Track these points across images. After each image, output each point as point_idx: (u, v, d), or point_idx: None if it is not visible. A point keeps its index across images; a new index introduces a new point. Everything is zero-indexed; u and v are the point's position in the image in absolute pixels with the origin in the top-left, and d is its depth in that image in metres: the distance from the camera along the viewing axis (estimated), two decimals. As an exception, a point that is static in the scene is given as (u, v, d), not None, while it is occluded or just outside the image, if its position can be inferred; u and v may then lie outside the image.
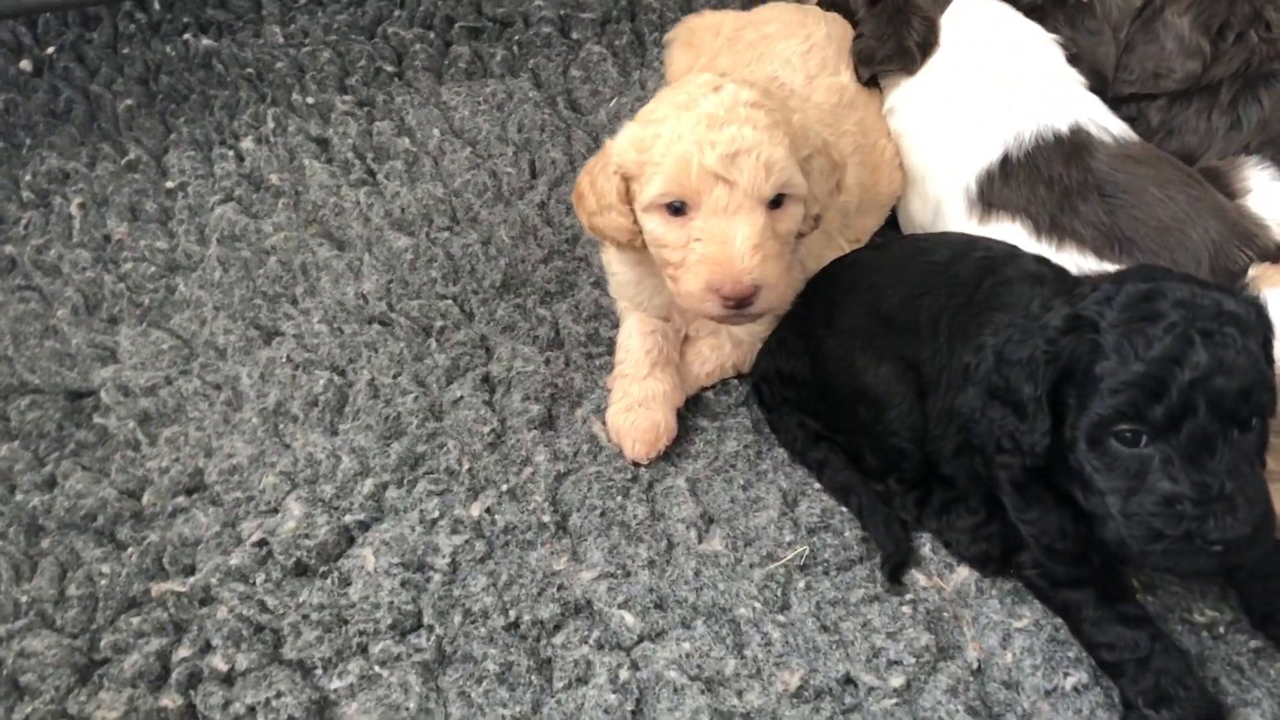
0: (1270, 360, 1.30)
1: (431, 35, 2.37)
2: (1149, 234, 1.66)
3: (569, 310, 1.90)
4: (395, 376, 1.83)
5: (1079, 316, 1.28)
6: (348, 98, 2.27)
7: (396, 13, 2.42)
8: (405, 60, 2.34)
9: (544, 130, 2.18)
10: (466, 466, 1.71)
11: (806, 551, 1.60)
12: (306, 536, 1.63)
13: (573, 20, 2.39)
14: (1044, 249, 1.70)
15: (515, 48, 2.35)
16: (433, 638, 1.53)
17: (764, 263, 1.50)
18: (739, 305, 1.52)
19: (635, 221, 1.59)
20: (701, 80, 1.56)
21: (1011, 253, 1.59)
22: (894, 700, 1.46)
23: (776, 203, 1.54)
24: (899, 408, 1.56)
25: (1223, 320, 1.24)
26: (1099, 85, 1.93)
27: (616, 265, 1.74)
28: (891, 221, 1.97)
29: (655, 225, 1.56)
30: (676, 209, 1.53)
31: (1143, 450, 1.26)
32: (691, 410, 1.77)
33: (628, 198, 1.58)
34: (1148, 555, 1.28)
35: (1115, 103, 1.92)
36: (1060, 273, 1.55)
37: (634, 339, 1.74)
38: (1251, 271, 1.60)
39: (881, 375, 1.57)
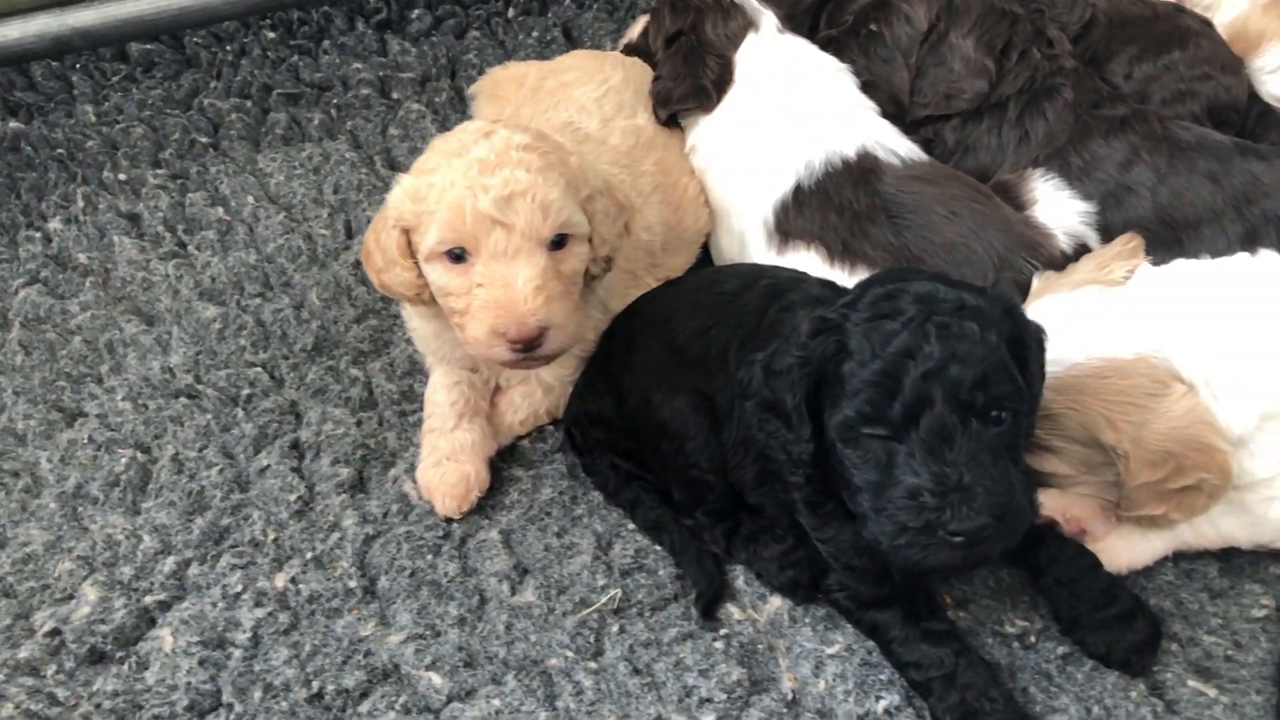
0: (1025, 360, 1.31)
1: (249, 104, 2.35)
2: (936, 251, 1.68)
3: (382, 369, 1.87)
4: (201, 450, 1.77)
5: (825, 319, 1.28)
6: (160, 171, 2.23)
7: (213, 84, 2.39)
8: (221, 130, 2.31)
9: (360, 190, 2.16)
10: (272, 537, 1.66)
11: (619, 595, 1.57)
12: (102, 621, 1.57)
13: (392, 80, 2.39)
14: (838, 274, 1.71)
15: (333, 111, 2.34)
16: (231, 716, 1.47)
17: (548, 303, 1.49)
18: (527, 348, 1.50)
19: (421, 275, 1.56)
20: (473, 128, 1.55)
21: (797, 278, 1.59)
22: (706, 737, 1.43)
23: (559, 243, 1.53)
24: (696, 440, 1.55)
25: (962, 314, 1.24)
26: (897, 110, 1.97)
27: (415, 320, 1.72)
28: (709, 258, 1.98)
29: (438, 274, 1.54)
30: (457, 256, 1.51)
31: (889, 445, 1.25)
32: (506, 460, 1.74)
33: (410, 251, 1.56)
34: (897, 550, 1.27)
35: (914, 125, 1.96)
36: (843, 294, 1.55)
37: (439, 393, 1.71)
38: (1035, 282, 1.62)
39: (677, 409, 1.56)
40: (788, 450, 1.34)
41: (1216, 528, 1.54)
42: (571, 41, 2.46)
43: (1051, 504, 1.55)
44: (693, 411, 1.54)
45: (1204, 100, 1.99)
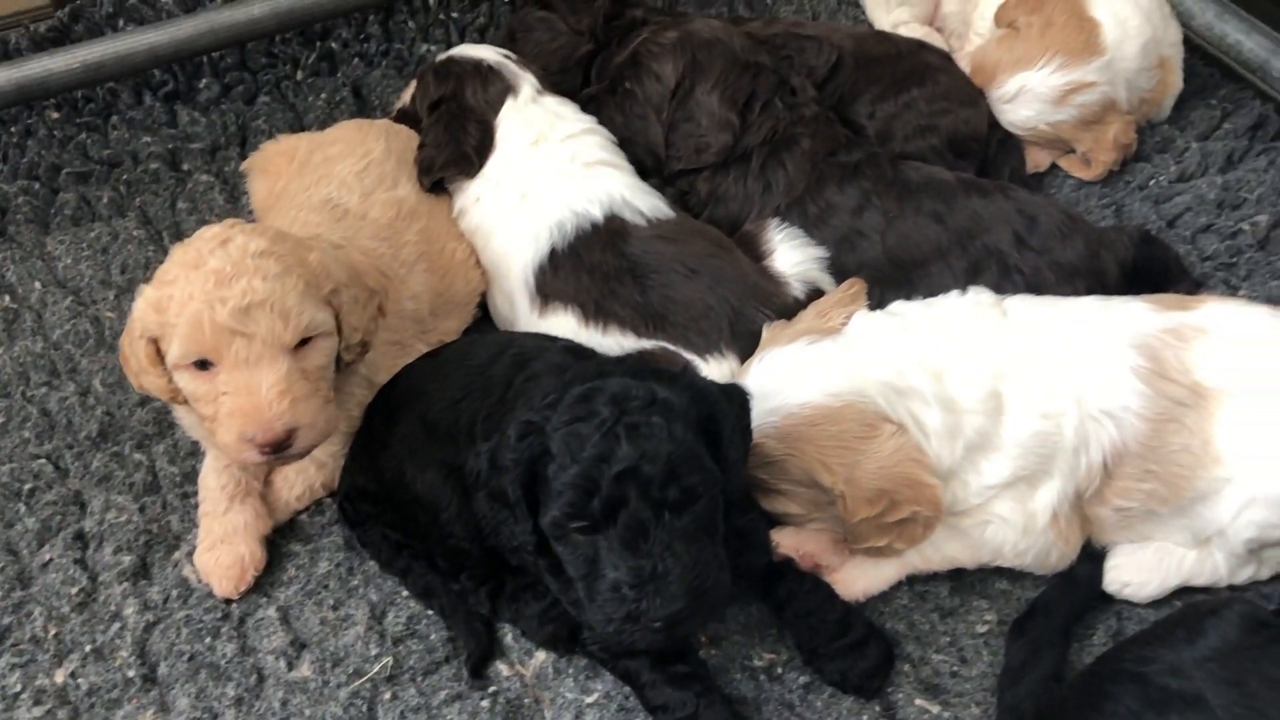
0: (719, 434, 1.40)
1: (37, 185, 2.35)
2: (677, 309, 1.78)
3: (165, 451, 1.91)
4: (-17, 549, 1.80)
5: (530, 423, 1.37)
6: (-54, 262, 2.23)
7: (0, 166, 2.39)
8: (8, 215, 2.31)
9: (148, 268, 2.18)
10: (53, 632, 1.69)
11: (390, 663, 1.64)
12: (-119, 734, 1.59)
13: (182, 152, 2.41)
14: (592, 334, 1.80)
15: (123, 188, 2.35)
16: (8, 819, 1.52)
17: (294, 406, 1.54)
18: (277, 450, 1.55)
19: (173, 380, 1.60)
20: (209, 235, 1.59)
21: (541, 346, 1.67)
22: (469, 799, 1.51)
23: (303, 343, 1.58)
24: (449, 511, 1.62)
25: (651, 410, 1.34)
26: (656, 164, 2.06)
27: (178, 410, 1.76)
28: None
29: (185, 382, 1.58)
30: (203, 364, 1.55)
31: (593, 540, 1.34)
32: (285, 535, 1.80)
33: (160, 358, 1.60)
34: (608, 636, 1.38)
35: (670, 178, 2.05)
36: (584, 359, 1.64)
37: (210, 477, 1.76)
38: (764, 331, 1.72)
39: (428, 482, 1.63)
40: (515, 538, 1.42)
41: (941, 552, 1.66)
42: (361, 100, 2.50)
43: (787, 542, 1.66)
44: (443, 484, 1.61)
45: (944, 134, 2.12)
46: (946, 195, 1.91)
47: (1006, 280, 1.85)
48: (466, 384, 1.65)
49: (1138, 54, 2.17)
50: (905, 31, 2.48)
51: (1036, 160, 2.25)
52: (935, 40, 2.46)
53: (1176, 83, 2.29)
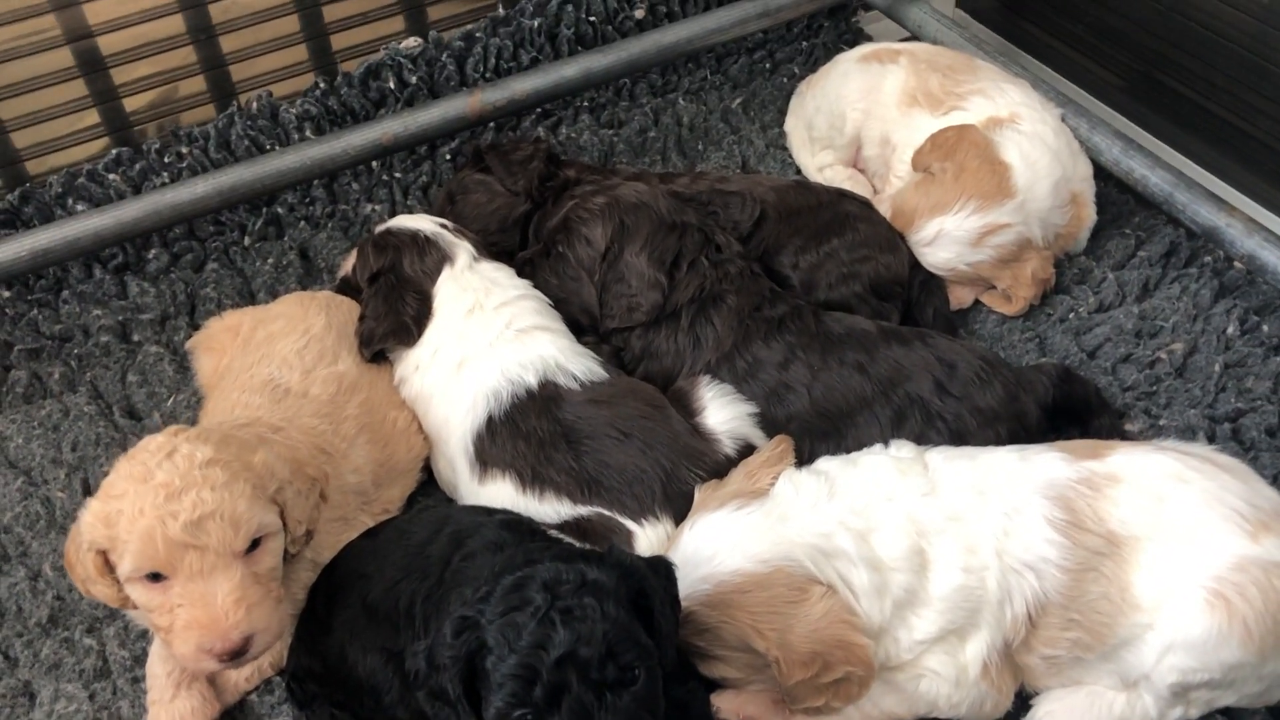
0: (650, 608, 1.43)
1: (-11, 364, 2.40)
2: (611, 474, 1.82)
3: (116, 634, 1.92)
4: (-69, 749, 1.81)
5: (465, 619, 1.39)
6: (-103, 446, 2.26)
7: (-49, 347, 2.44)
8: (-39, 394, 2.36)
9: (99, 444, 2.22)
10: (0, 833, 1.70)
11: None
12: None
13: (132, 323, 2.46)
14: (530, 500, 1.84)
15: (75, 362, 2.39)
16: None
17: (250, 612, 1.56)
18: (234, 656, 1.58)
19: (122, 589, 1.62)
20: (154, 447, 1.62)
21: (477, 522, 1.71)
22: None
23: (254, 545, 1.61)
24: (391, 695, 1.64)
25: (583, 592, 1.37)
26: (592, 321, 2.13)
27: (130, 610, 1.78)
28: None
29: (138, 594, 1.59)
30: (155, 576, 1.57)
31: None
32: (234, 717, 1.81)
33: (108, 567, 1.61)
34: None
35: (606, 336, 2.12)
36: (522, 535, 1.68)
37: (156, 664, 1.78)
38: (696, 494, 1.77)
39: (370, 666, 1.65)
40: None
41: (879, 707, 1.68)
42: (308, 262, 2.57)
43: (728, 705, 1.69)
44: (384, 668, 1.64)
45: (866, 280, 2.20)
46: (869, 345, 1.98)
47: (930, 428, 1.91)
48: (405, 564, 1.68)
49: (1049, 193, 2.27)
50: (830, 174, 2.58)
51: (959, 298, 2.33)
52: (859, 182, 2.56)
53: (1090, 216, 2.38)
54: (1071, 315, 2.31)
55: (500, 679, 1.35)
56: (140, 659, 1.88)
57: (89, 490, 2.16)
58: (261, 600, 1.59)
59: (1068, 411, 2.01)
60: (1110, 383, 2.17)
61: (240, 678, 1.81)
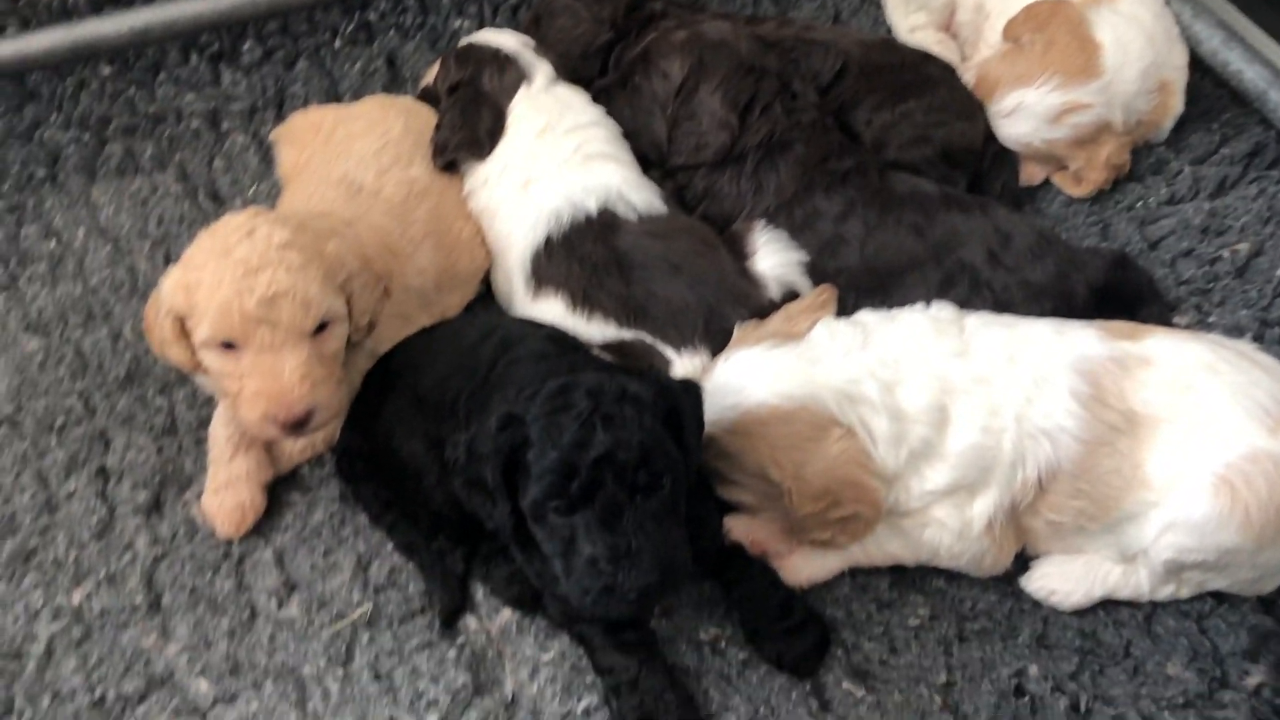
0: (681, 435, 1.52)
1: (86, 136, 2.51)
2: (657, 303, 1.89)
3: (185, 398, 2.07)
4: (17, 475, 1.98)
5: (510, 415, 1.49)
6: (-1, 204, 2.40)
7: (54, 115, 2.55)
8: (59, 163, 2.47)
9: (183, 222, 2.34)
10: (73, 556, 1.87)
11: (370, 609, 1.80)
12: (-84, 639, 1.78)
13: (223, 112, 2.55)
14: (578, 319, 1.92)
15: (166, 143, 2.50)
16: (22, 721, 1.70)
17: (314, 389, 1.68)
18: (295, 428, 1.70)
19: (196, 353, 1.74)
20: (235, 224, 1.71)
21: (525, 333, 1.80)
22: (429, 737, 1.67)
23: (320, 329, 1.71)
24: (430, 479, 1.76)
25: (624, 403, 1.46)
26: (659, 156, 2.17)
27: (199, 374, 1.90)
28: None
29: (211, 360, 1.72)
30: (228, 345, 1.69)
31: (571, 520, 1.47)
32: (286, 485, 1.95)
33: (184, 333, 1.73)
34: (584, 607, 1.49)
35: (670, 172, 2.16)
36: (565, 349, 1.76)
37: (219, 426, 1.92)
38: (736, 331, 1.83)
39: (413, 451, 1.77)
40: (493, 519, 1.56)
41: (882, 549, 1.77)
42: (394, 71, 2.62)
43: (739, 529, 1.78)
44: (426, 454, 1.75)
45: (938, 144, 2.19)
46: (928, 208, 2.00)
47: (976, 295, 1.94)
48: (455, 362, 1.78)
49: (1137, 78, 2.22)
50: (920, 36, 2.54)
51: (1030, 174, 2.32)
52: (949, 48, 2.52)
53: (1177, 106, 2.33)
54: (1140, 204, 2.29)
55: (540, 471, 1.45)
56: (205, 421, 2.02)
57: (171, 263, 2.28)
58: (324, 379, 1.71)
59: (1118, 298, 2.02)
60: (1167, 275, 2.17)
61: (295, 449, 1.95)
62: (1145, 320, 1.98)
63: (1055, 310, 1.92)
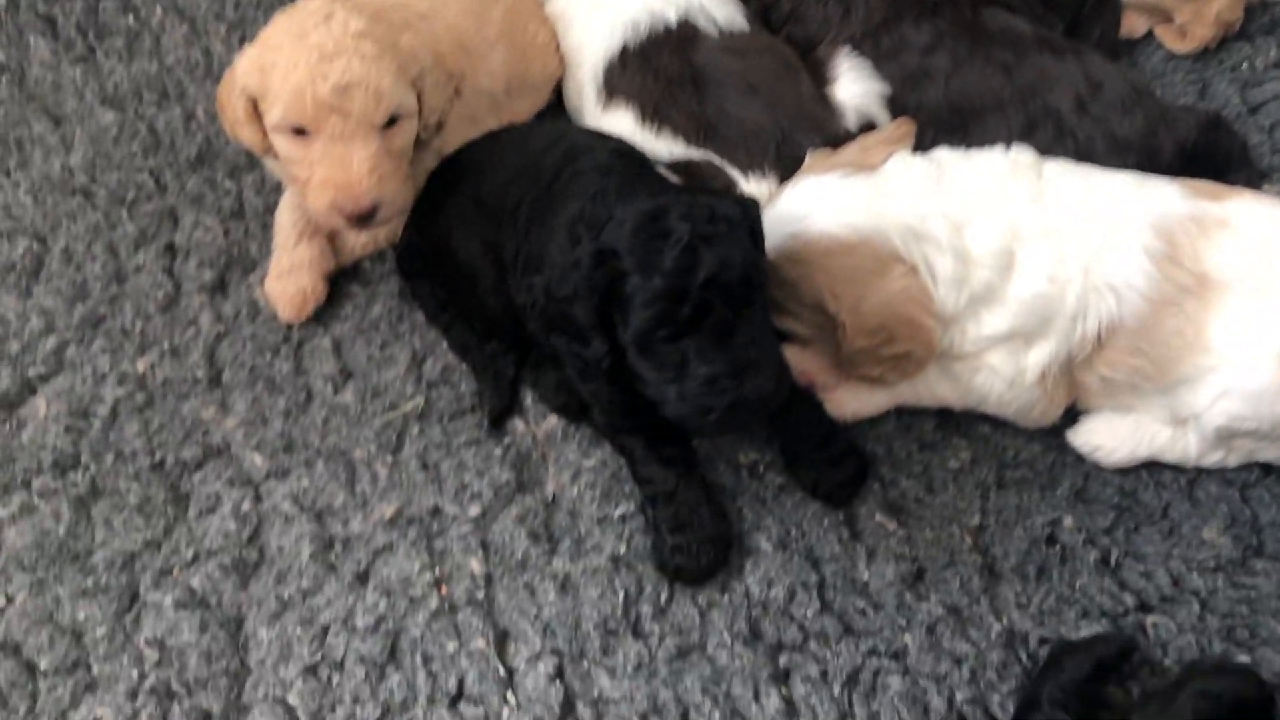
0: (760, 245, 1.52)
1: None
2: (730, 123, 1.85)
3: (254, 183, 2.08)
4: (89, 245, 2.02)
5: (602, 250, 1.47)
6: (79, -26, 2.39)
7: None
8: (139, -63, 2.45)
9: (259, 7, 2.32)
10: (139, 327, 1.93)
11: (422, 402, 1.85)
12: (-11, 387, 1.87)
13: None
14: (646, 134, 1.89)
15: (245, -76, 2.46)
16: (87, 475, 1.78)
17: (381, 183, 1.68)
18: (360, 220, 1.71)
19: (267, 135, 1.73)
20: (313, 8, 1.68)
21: (591, 144, 1.77)
22: (469, 526, 1.73)
23: (390, 123, 1.70)
24: (486, 282, 1.77)
25: (717, 223, 1.45)
26: (747, -26, 2.09)
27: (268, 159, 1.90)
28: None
29: (282, 145, 1.71)
30: (299, 130, 1.68)
31: (680, 345, 1.47)
32: (348, 277, 1.98)
33: (256, 114, 1.72)
34: (706, 425, 1.52)
35: (760, -10, 2.08)
36: (631, 164, 1.74)
37: (285, 213, 1.93)
38: (808, 158, 1.80)
39: (471, 252, 1.78)
40: (582, 359, 1.56)
41: (931, 390, 1.77)
42: None
43: (791, 359, 1.78)
44: (483, 257, 1.76)
45: (1039, -20, 2.09)
46: (1020, 48, 1.92)
47: (1059, 143, 1.87)
48: (519, 168, 1.77)
49: (1261, -74, 2.09)
50: None
51: (1132, 25, 2.20)
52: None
53: (1300, -38, 2.20)
54: (1245, 65, 2.18)
55: (646, 300, 1.44)
56: (271, 207, 2.03)
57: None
58: (392, 174, 1.71)
59: (1207, 160, 1.93)
60: (1263, 141, 2.07)
61: (358, 242, 1.96)
62: (1233, 184, 1.91)
63: (1139, 167, 1.85)
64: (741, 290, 1.45)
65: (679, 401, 1.50)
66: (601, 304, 1.49)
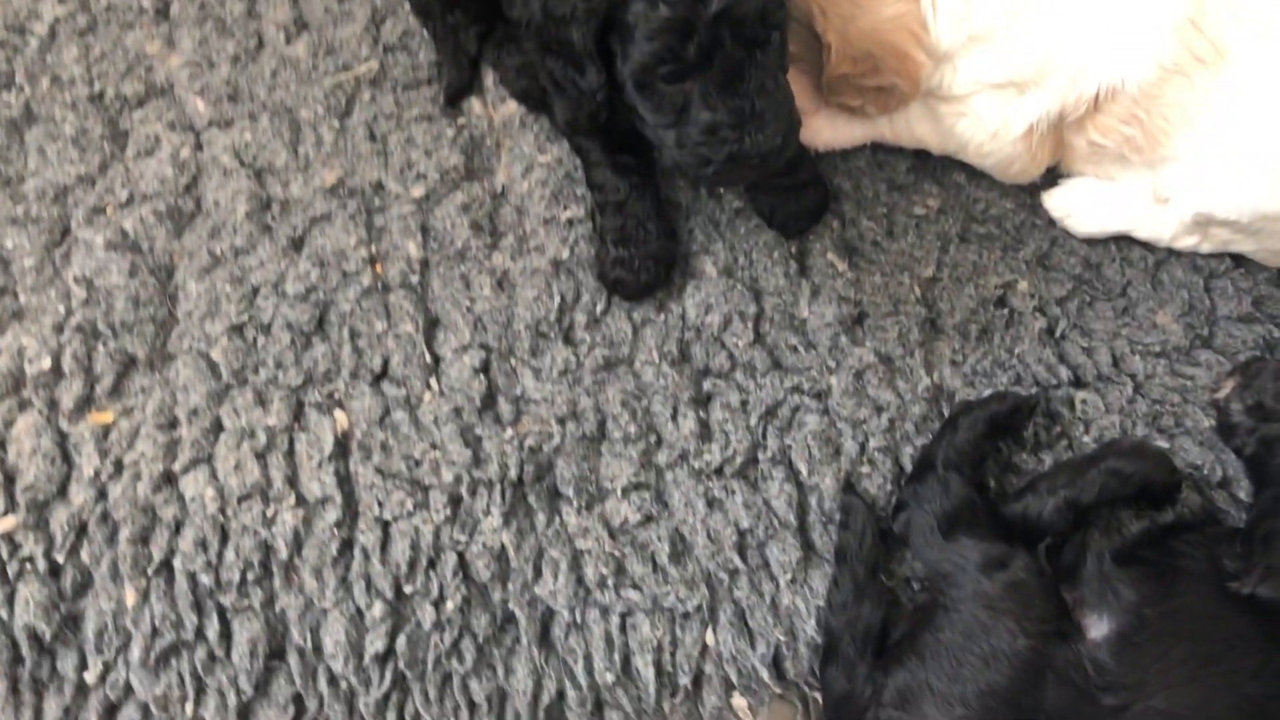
0: None
1: None
2: None
3: None
4: None
5: None
6: None
7: None
8: None
9: None
10: None
11: (376, 66, 1.74)
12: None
13: None
14: None
15: None
16: (21, 98, 1.70)
17: None
18: None
19: None
20: None
21: None
22: (411, 207, 1.67)
23: None
24: None
25: None
26: None
27: None
28: None
29: None
30: None
31: (684, 86, 1.34)
32: None
33: None
34: (703, 177, 1.42)
35: None
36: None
37: None
38: None
39: None
40: (578, 86, 1.41)
41: (911, 130, 1.67)
42: None
43: (767, 73, 1.67)
44: None
45: None
46: None
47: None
48: None
49: None
50: None
51: None
52: None
53: None
54: None
55: (650, 32, 1.30)
56: None
57: None
58: None
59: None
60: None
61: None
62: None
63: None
64: (758, 29, 1.31)
65: (677, 148, 1.40)
66: (601, 30, 1.35)
